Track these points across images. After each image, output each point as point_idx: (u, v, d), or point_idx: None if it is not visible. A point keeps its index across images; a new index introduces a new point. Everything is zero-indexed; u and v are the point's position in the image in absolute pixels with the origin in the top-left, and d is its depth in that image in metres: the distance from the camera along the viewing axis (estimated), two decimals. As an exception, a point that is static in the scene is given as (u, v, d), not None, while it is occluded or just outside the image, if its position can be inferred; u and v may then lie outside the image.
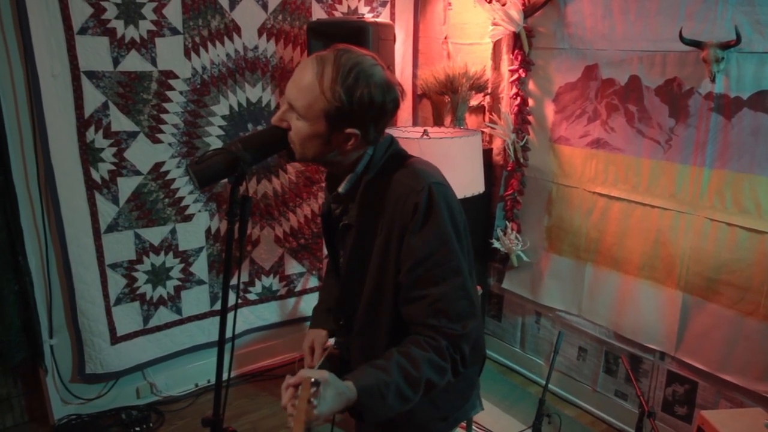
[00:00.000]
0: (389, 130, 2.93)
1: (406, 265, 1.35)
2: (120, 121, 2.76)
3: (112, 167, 2.78)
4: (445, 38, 3.56)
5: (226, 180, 1.25)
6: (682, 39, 2.37)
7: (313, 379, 1.11)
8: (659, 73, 2.56)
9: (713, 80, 2.35)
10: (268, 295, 3.44)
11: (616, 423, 2.98)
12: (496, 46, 3.26)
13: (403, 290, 1.38)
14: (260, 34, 3.07)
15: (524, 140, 3.17)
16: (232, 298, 3.18)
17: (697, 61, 2.39)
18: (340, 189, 1.44)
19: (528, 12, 2.99)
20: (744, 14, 2.24)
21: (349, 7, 3.36)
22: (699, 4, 2.36)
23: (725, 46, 2.27)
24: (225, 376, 1.39)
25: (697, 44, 2.35)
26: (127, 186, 2.84)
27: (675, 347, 2.65)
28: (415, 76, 3.69)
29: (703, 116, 2.44)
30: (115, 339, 2.94)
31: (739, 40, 2.23)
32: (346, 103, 1.30)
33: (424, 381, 1.29)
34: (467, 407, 1.65)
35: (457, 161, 2.68)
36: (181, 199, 3.02)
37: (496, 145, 3.35)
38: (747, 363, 2.39)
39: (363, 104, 1.31)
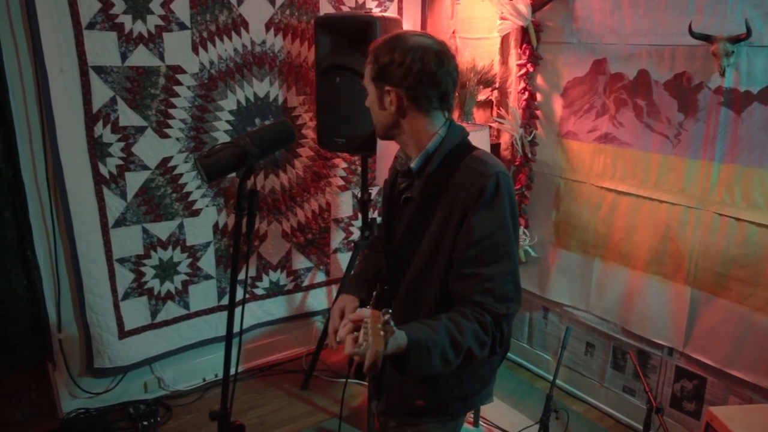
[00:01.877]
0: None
1: (463, 243, 1.43)
2: (128, 116, 2.76)
3: (120, 162, 2.79)
4: (453, 33, 3.55)
5: (233, 174, 1.26)
6: (691, 33, 2.35)
7: (385, 310, 1.17)
8: (668, 67, 2.54)
9: (723, 74, 2.34)
10: (275, 290, 3.45)
11: (623, 419, 2.97)
12: (504, 40, 3.24)
13: (456, 267, 1.45)
14: (268, 29, 3.07)
15: (532, 135, 3.15)
16: (239, 293, 3.19)
17: (707, 55, 2.37)
18: (413, 165, 1.54)
19: (536, 6, 2.98)
20: (755, 7, 2.22)
21: (356, 1, 3.36)
22: (709, -3, 2.35)
23: (735, 39, 2.26)
24: (232, 371, 1.39)
25: (707, 38, 2.33)
26: (135, 181, 2.85)
27: (683, 343, 2.64)
28: (422, 71, 3.67)
29: (712, 111, 2.42)
30: (123, 333, 2.95)
31: (749, 33, 2.21)
32: (374, 62, 1.50)
33: (466, 349, 1.36)
34: (484, 393, 1.71)
35: (464, 156, 2.67)
36: (189, 194, 3.02)
37: (504, 139, 3.34)
38: (756, 359, 2.38)
39: (385, 62, 1.48)
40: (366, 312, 1.21)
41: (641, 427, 2.37)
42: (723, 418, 2.05)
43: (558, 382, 2.91)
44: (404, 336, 1.27)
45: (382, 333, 1.12)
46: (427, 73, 1.47)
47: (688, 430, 2.70)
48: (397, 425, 1.71)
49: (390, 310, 1.19)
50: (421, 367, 1.30)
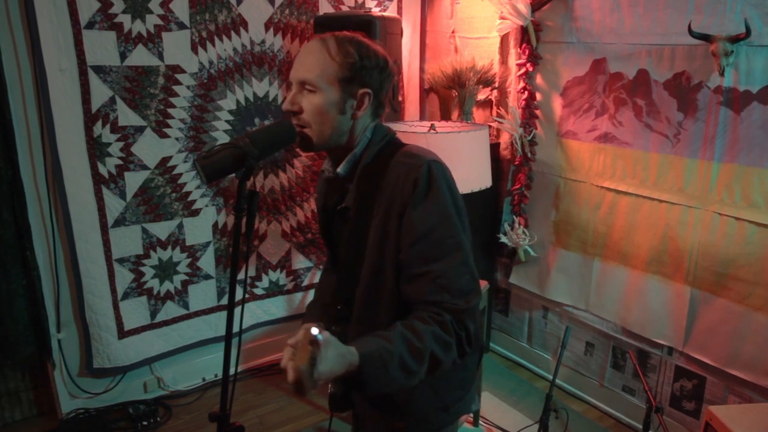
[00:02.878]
0: (395, 125, 2.91)
1: (407, 242, 1.33)
2: (127, 116, 2.76)
3: (119, 162, 2.79)
4: (453, 32, 3.55)
5: (233, 175, 1.25)
6: (691, 32, 2.35)
7: (314, 329, 1.06)
8: (668, 66, 2.54)
9: (722, 74, 2.34)
10: (275, 290, 3.44)
11: (623, 418, 2.97)
12: (504, 40, 3.24)
13: (405, 268, 1.35)
14: (267, 29, 3.07)
15: (532, 135, 3.15)
16: (239, 293, 3.19)
17: (706, 54, 2.38)
18: (339, 169, 1.44)
19: (535, 6, 2.98)
20: (754, 7, 2.22)
21: (356, 1, 3.35)
22: (709, -4, 2.35)
23: (735, 39, 2.26)
24: (232, 371, 1.39)
25: (706, 38, 2.33)
26: (134, 180, 2.85)
27: (683, 342, 2.64)
28: (422, 70, 3.68)
29: (711, 110, 2.42)
30: (122, 333, 2.95)
31: (748, 33, 2.21)
32: (357, 58, 1.35)
33: (428, 354, 1.26)
34: (467, 399, 1.61)
35: (464, 156, 2.67)
36: (188, 193, 3.02)
37: (504, 139, 3.34)
38: (756, 358, 2.38)
39: (371, 59, 1.37)
40: (301, 332, 1.11)
41: (641, 427, 2.37)
42: (722, 417, 2.05)
43: (558, 381, 2.92)
44: (354, 352, 1.16)
45: (309, 348, 1.03)
46: (394, 77, 1.45)
47: (688, 429, 2.70)
48: None
49: (320, 324, 1.09)
50: (380, 382, 1.20)
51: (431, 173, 1.34)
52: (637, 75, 2.65)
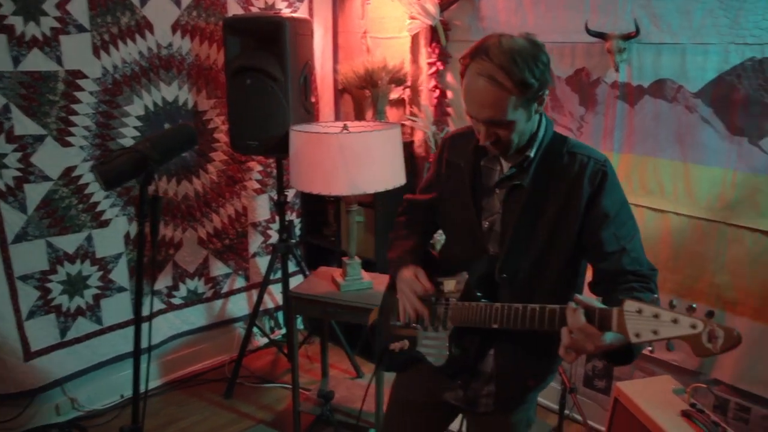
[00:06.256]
0: (309, 126, 2.90)
1: (599, 225, 1.50)
2: (24, 125, 2.61)
3: (18, 173, 2.64)
4: (364, 32, 3.58)
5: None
6: (587, 30, 2.48)
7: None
8: (569, 63, 2.67)
9: (617, 70, 2.48)
10: (193, 299, 3.36)
11: (541, 401, 3.08)
12: (414, 39, 3.30)
13: (598, 248, 1.51)
14: (174, 31, 2.99)
15: (444, 132, 3.22)
16: (156, 303, 3.09)
17: (603, 51, 2.51)
18: (530, 153, 1.55)
19: (443, 5, 3.05)
20: (641, 8, 2.37)
21: (266, 2, 3.32)
22: (602, -3, 2.48)
23: (626, 37, 2.40)
24: (150, 384, 1.35)
25: (602, 36, 2.46)
26: (35, 193, 2.70)
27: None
28: (335, 71, 3.69)
29: (610, 104, 2.56)
30: (29, 355, 2.79)
31: (638, 31, 2.36)
32: (533, 81, 1.41)
33: None
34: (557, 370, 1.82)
35: (377, 155, 2.69)
36: (97, 204, 2.90)
37: (418, 137, 3.39)
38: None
39: (539, 68, 1.42)
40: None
41: (557, 407, 2.47)
42: (628, 392, 2.20)
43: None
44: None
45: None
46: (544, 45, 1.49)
47: (600, 406, 2.84)
48: (489, 412, 1.69)
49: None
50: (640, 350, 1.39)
51: (611, 168, 1.55)
52: (541, 72, 2.77)
